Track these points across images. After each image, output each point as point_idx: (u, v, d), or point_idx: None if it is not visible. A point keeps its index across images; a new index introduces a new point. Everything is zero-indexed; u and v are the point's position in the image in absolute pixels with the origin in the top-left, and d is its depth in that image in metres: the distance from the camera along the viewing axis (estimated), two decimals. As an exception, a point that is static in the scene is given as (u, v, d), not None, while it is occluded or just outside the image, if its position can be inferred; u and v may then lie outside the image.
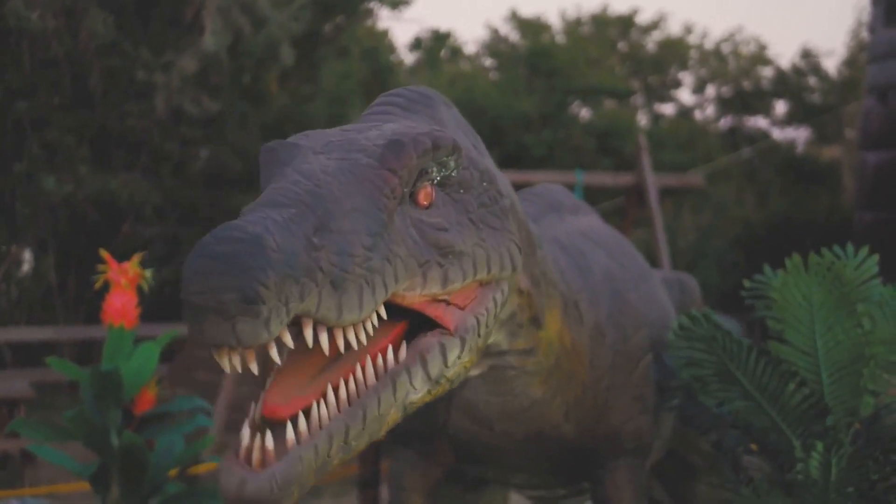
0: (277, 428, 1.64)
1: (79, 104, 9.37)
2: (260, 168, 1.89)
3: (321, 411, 1.66)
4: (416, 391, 1.81)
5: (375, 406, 1.72)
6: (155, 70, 8.99)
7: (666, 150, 14.58)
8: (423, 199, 1.87)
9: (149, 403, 3.67)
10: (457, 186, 1.95)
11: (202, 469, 5.40)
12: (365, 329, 1.70)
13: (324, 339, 1.63)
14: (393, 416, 1.77)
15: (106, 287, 3.69)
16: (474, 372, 2.31)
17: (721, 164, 13.19)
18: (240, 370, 1.58)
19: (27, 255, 10.14)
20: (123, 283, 3.61)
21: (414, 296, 1.80)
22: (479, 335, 1.95)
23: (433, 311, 1.86)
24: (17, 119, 9.04)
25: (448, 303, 1.89)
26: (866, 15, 14.96)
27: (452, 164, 1.92)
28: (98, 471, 3.49)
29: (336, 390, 1.70)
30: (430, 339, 1.85)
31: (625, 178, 9.23)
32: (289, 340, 1.59)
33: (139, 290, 3.69)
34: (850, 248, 2.93)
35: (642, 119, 17.99)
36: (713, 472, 3.62)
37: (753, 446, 2.94)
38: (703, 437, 3.30)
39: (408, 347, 1.84)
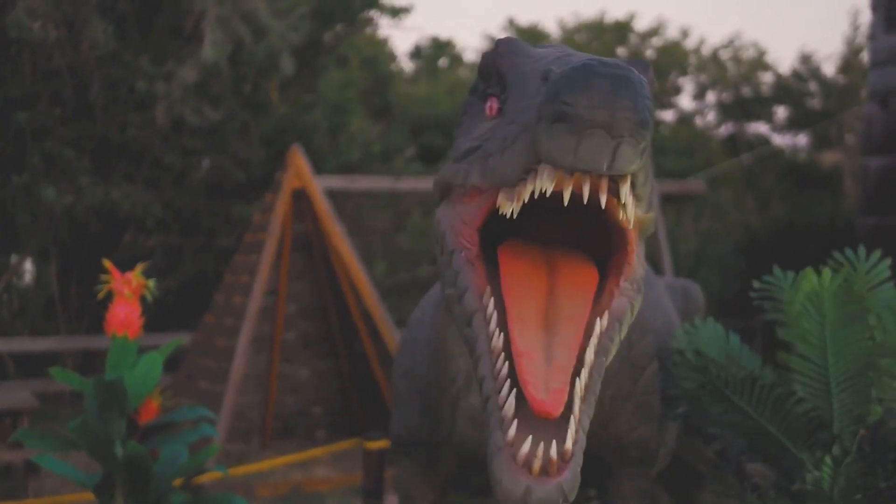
0: (544, 426, 1.56)
1: (80, 115, 9.36)
2: (499, 57, 1.79)
3: (576, 408, 1.58)
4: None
5: (597, 389, 1.65)
6: (156, 80, 8.99)
7: (667, 156, 14.56)
8: None
9: (152, 413, 3.67)
10: None
11: (206, 478, 5.39)
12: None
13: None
14: None
15: (109, 297, 3.69)
16: None
17: (722, 170, 13.18)
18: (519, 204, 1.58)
19: (28, 266, 10.13)
20: (127, 293, 3.61)
21: (640, 214, 1.70)
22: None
23: (633, 249, 1.75)
24: (18, 130, 9.03)
25: None
26: (861, 20, 15.00)
27: None
28: (102, 481, 3.48)
29: (576, 372, 1.61)
30: (621, 301, 1.73)
31: (626, 185, 9.22)
32: None
33: (142, 299, 3.69)
34: (861, 250, 2.90)
35: (642, 126, 17.95)
36: (718, 479, 3.62)
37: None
38: (708, 445, 3.30)
39: (600, 303, 1.71)
